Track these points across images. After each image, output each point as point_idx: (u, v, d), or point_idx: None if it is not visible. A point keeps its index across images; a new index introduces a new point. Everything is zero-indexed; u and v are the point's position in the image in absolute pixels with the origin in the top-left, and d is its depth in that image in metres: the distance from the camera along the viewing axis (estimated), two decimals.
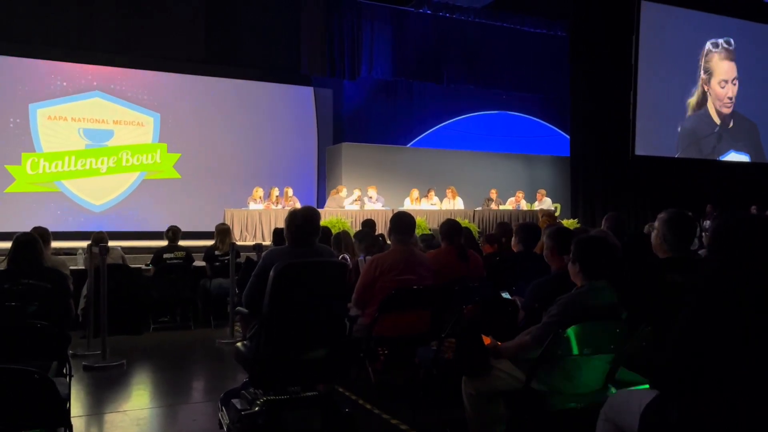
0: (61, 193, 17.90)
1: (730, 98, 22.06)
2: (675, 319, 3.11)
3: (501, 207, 18.51)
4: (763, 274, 2.99)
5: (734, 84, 22.10)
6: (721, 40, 21.73)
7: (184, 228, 11.93)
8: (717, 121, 22.01)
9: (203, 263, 11.42)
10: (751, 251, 3.05)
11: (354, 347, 5.78)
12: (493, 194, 18.83)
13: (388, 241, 7.06)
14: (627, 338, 4.18)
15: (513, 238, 7.09)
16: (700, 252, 5.98)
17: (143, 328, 10.50)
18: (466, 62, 20.79)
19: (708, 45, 21.66)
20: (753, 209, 17.32)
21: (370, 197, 17.55)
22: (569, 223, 15.87)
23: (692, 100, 21.52)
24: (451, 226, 7.01)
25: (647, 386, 3.64)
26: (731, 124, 22.23)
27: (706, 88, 21.75)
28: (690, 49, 21.43)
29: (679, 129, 21.37)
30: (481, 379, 4.52)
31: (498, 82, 21.65)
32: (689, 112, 21.48)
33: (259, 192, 16.84)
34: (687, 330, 3.04)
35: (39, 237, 6.10)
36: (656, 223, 4.81)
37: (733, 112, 22.20)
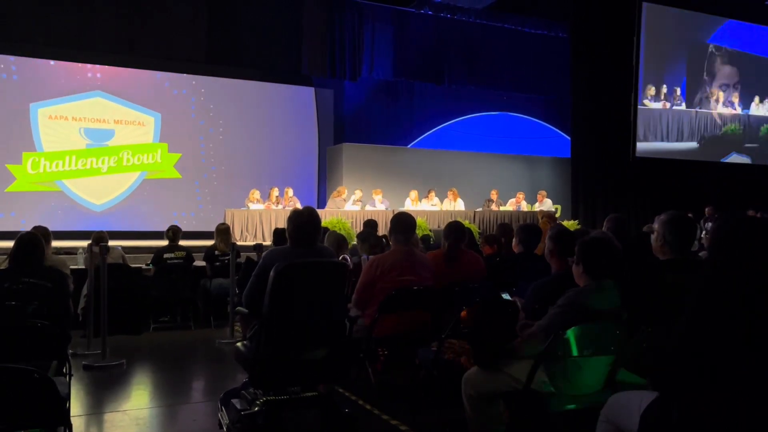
0: (62, 192, 17.90)
1: (732, 102, 22.08)
2: (675, 321, 3.12)
3: (501, 208, 18.52)
4: (762, 274, 3.00)
5: (736, 88, 22.13)
6: (724, 43, 21.74)
7: (184, 228, 11.93)
8: (719, 122, 22.02)
9: (203, 263, 11.43)
10: (750, 252, 3.06)
11: (354, 348, 5.78)
12: (494, 195, 18.84)
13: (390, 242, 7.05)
14: (627, 339, 4.20)
15: (513, 239, 7.09)
16: (700, 254, 5.98)
17: (143, 328, 10.50)
18: (466, 63, 20.75)
19: (711, 47, 21.65)
20: (751, 213, 17.30)
21: (375, 201, 17.53)
22: (570, 224, 15.86)
23: (694, 102, 21.53)
24: (447, 228, 6.97)
25: (647, 387, 3.65)
26: (733, 127, 22.25)
27: (708, 90, 21.77)
28: (692, 50, 21.47)
29: (680, 130, 21.35)
30: (485, 377, 4.54)
31: (499, 83, 21.57)
32: (691, 114, 21.48)
33: (256, 194, 16.82)
34: (687, 330, 3.05)
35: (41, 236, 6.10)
36: (656, 225, 4.83)
37: (735, 114, 22.22)
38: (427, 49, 20.12)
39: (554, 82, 21.45)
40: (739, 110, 22.31)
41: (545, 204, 18.62)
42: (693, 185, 20.94)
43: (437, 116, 22.47)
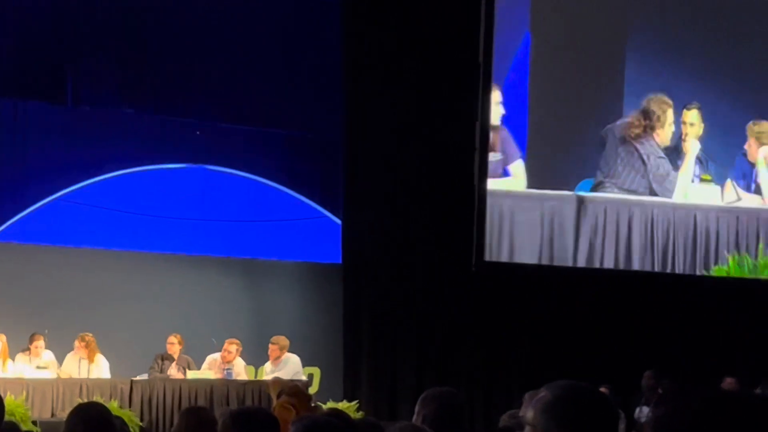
0: None
1: (684, 137, 22.81)
2: None
3: (191, 374, 19.28)
4: None
5: (695, 113, 22.76)
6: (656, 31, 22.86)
7: None
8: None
9: None
10: None
11: None
12: (174, 346, 19.76)
13: None
14: None
15: None
16: None
17: None
18: (115, 59, 21.33)
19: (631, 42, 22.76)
20: (728, 382, 18.44)
21: None
22: (343, 407, 16.75)
23: (610, 146, 22.31)
24: (75, 417, 7.52)
25: None
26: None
27: (638, 125, 22.30)
28: (605, 42, 22.72)
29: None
30: None
31: (187, 104, 22.34)
32: (600, 173, 22.36)
33: None
34: None
35: None
36: (529, 413, 4.91)
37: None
38: (28, 30, 20.72)
39: (308, 101, 22.28)
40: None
41: (287, 365, 19.48)
42: (611, 322, 21.82)
43: (51, 172, 22.74)
